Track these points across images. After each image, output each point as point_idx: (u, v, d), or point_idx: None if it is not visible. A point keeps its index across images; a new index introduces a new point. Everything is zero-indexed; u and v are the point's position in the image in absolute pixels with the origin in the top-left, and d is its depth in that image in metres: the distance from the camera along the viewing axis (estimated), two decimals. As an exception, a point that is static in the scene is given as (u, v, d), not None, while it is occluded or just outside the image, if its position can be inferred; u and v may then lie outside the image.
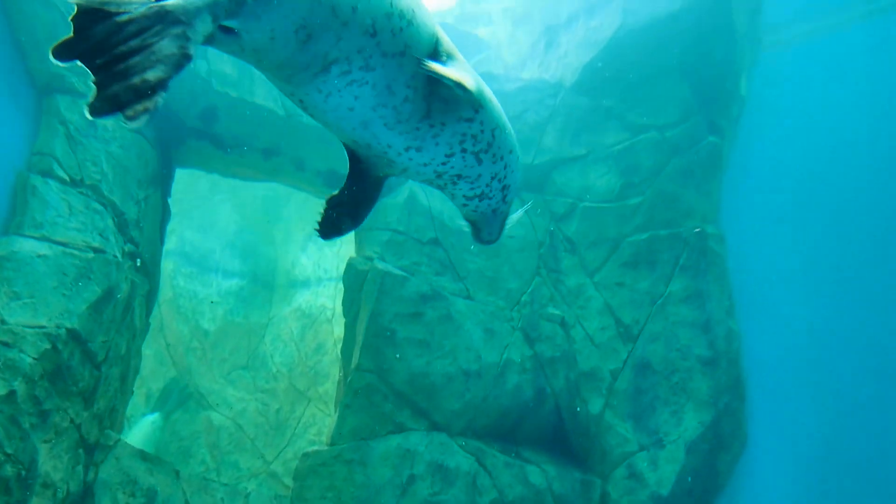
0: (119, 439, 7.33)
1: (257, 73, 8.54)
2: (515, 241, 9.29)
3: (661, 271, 9.06)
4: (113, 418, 7.51)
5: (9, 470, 6.10)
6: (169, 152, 8.70)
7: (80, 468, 6.89)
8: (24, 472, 6.17)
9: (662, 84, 9.24)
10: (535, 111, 9.57)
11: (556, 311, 9.17)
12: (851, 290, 8.93)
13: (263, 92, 8.46)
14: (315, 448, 8.43)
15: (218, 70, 8.23)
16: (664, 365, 8.81)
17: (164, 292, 14.33)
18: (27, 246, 6.62)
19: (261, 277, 15.56)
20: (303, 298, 14.92)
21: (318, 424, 13.80)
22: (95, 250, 7.04)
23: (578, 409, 8.97)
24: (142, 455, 7.34)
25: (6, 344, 6.23)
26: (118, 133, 7.46)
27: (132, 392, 8.21)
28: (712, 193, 9.24)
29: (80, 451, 6.89)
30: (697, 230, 8.95)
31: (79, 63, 1.55)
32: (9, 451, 6.12)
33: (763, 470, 8.82)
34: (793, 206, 9.37)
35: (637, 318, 8.97)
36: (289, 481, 10.47)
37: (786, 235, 9.36)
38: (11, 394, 6.15)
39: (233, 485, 7.89)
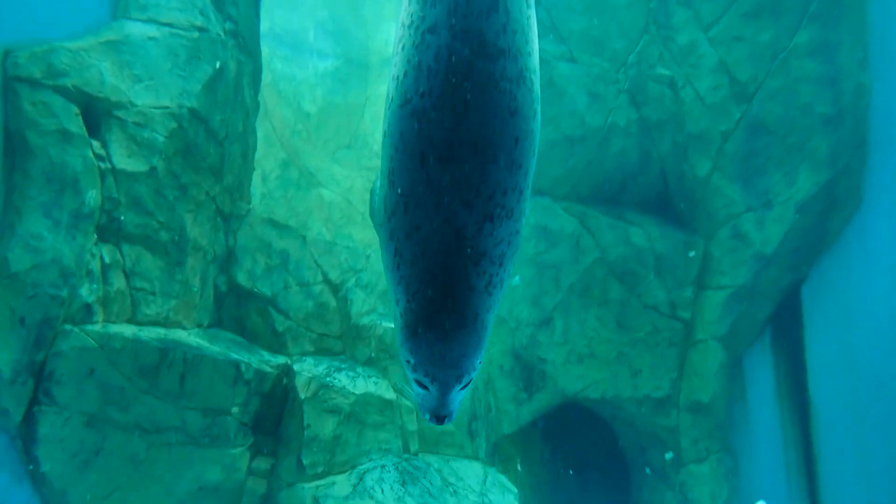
0: (250, 209, 8.04)
1: None
2: (623, -5, 8.60)
3: (787, 21, 8.24)
4: (241, 191, 8.17)
5: (164, 235, 6.92)
6: (253, -78, 8.31)
7: (220, 234, 7.70)
8: (177, 238, 6.98)
9: None
10: None
11: (666, 72, 8.69)
12: None
13: None
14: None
15: None
16: (780, 124, 8.39)
17: (264, 76, 14.59)
18: (137, 29, 6.78)
19: (355, 58, 15.45)
20: (398, 76, 14.83)
21: (422, 199, 14.41)
22: (200, 29, 7.14)
23: (685, 172, 8.87)
24: (272, 223, 8.07)
25: (139, 125, 6.70)
26: None
27: (254, 168, 8.79)
28: (856, -76, 7.99)
29: (219, 220, 7.64)
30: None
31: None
32: (161, 219, 6.89)
33: (875, 229, 8.62)
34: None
35: (755, 75, 8.39)
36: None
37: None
38: (153, 170, 6.75)
39: (353, 247, 8.63)
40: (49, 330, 6.26)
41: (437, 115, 2.24)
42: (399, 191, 2.32)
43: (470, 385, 2.40)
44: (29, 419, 6.16)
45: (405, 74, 2.37)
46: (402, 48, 2.44)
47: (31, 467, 6.15)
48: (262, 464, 7.01)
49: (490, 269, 2.31)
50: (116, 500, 6.33)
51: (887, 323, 8.21)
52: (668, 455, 8.53)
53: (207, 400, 6.72)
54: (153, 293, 6.90)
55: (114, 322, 6.65)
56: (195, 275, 7.25)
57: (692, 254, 8.71)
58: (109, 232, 6.72)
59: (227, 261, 7.80)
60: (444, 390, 2.30)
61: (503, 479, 7.38)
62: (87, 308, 6.49)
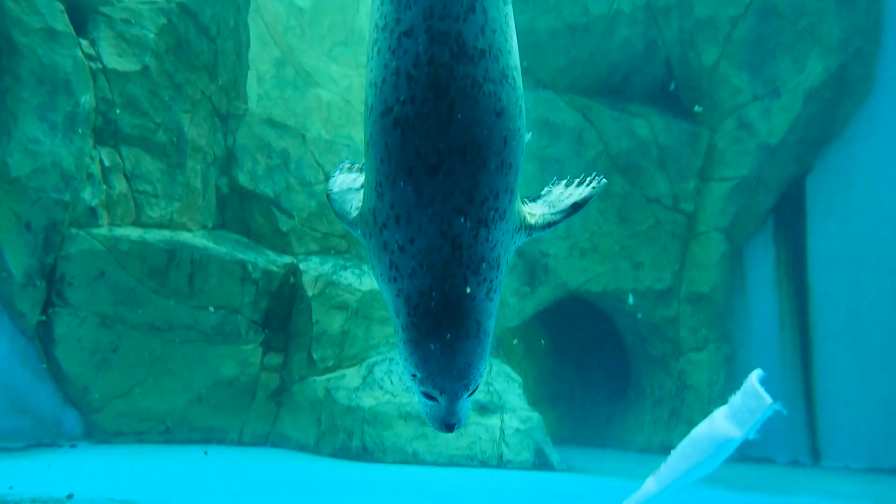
0: (247, 108, 7.90)
1: None
2: None
3: None
4: (237, 90, 8.01)
5: (162, 136, 6.85)
6: None
7: (219, 135, 7.61)
8: (175, 139, 6.91)
9: None
10: None
11: (674, -47, 8.28)
12: None
13: None
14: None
15: None
16: (792, 7, 8.06)
17: (253, -30, 13.95)
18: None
19: (345, -54, 14.69)
20: (393, -34, 14.15)
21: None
22: (183, -84, 6.78)
23: (691, 60, 8.62)
24: (271, 122, 7.95)
25: (127, 21, 6.48)
26: None
27: (248, 66, 8.56)
28: None
29: (216, 120, 7.53)
30: None
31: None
32: (158, 120, 6.79)
33: (885, 116, 8.45)
34: None
35: (767, -46, 8.00)
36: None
37: None
38: (146, 69, 6.59)
39: (354, 146, 8.54)
40: (55, 234, 6.32)
41: (421, 124, 2.20)
42: (389, 203, 2.27)
43: (476, 392, 2.44)
44: (45, 321, 6.34)
45: (383, 81, 2.28)
46: (378, 52, 2.33)
47: (44, 366, 6.37)
48: (274, 359, 7.26)
49: (489, 275, 2.29)
50: (137, 396, 6.60)
51: (892, 211, 8.22)
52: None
53: (217, 299, 6.87)
54: (156, 196, 6.92)
55: (119, 225, 6.71)
56: (196, 176, 7.24)
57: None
58: (107, 134, 6.64)
59: (228, 162, 7.75)
60: (454, 400, 2.32)
61: (507, 369, 7.64)
62: (92, 211, 6.52)
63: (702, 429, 2.18)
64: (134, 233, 6.68)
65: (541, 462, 6.53)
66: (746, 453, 8.17)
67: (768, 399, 2.06)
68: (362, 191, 2.58)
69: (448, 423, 2.32)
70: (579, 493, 5.36)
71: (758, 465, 7.87)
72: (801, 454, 8.36)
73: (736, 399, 2.17)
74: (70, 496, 4.00)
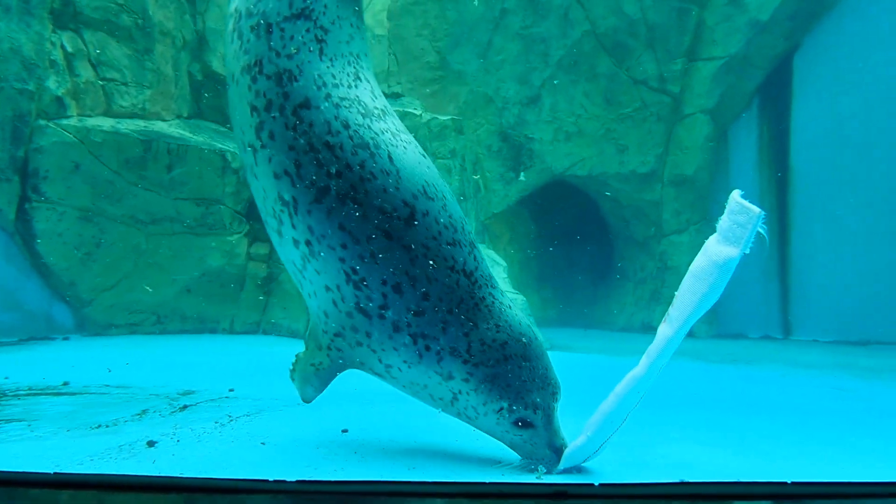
0: (214, -12, 7.44)
1: None
2: None
3: None
4: (202, -31, 7.50)
5: (126, 19, 6.46)
6: None
7: (187, 17, 7.21)
8: (140, 21, 6.53)
9: None
10: None
11: None
12: None
13: None
14: (404, -9, 8.33)
15: None
16: None
17: None
18: None
19: None
20: None
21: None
22: None
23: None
24: (240, 3, 7.52)
25: None
26: None
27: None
28: None
29: (183, 0, 7.09)
30: None
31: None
32: (120, 1, 6.38)
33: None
34: None
35: None
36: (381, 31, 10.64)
37: None
38: (100, -57, 6.11)
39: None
40: (23, 126, 6.08)
41: (372, 185, 2.18)
42: (378, 280, 2.21)
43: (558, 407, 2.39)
44: (23, 216, 6.22)
45: (297, 164, 2.19)
46: (271, 136, 2.24)
47: (28, 262, 6.31)
48: (261, 249, 7.26)
49: (498, 284, 2.38)
50: (124, 289, 6.61)
51: (877, 91, 8.14)
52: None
53: (198, 190, 6.76)
54: (125, 84, 6.62)
55: (89, 116, 6.46)
56: (166, 62, 6.91)
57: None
58: (66, 17, 6.25)
59: (199, 47, 7.39)
60: (549, 414, 2.29)
61: (493, 253, 7.72)
62: (59, 101, 6.25)
63: (699, 260, 2.16)
64: (105, 123, 6.45)
65: (526, 342, 6.72)
66: (721, 330, 8.52)
67: (756, 209, 2.03)
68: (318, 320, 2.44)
69: (555, 447, 2.26)
70: (561, 367, 5.58)
71: (731, 339, 8.20)
72: (772, 329, 8.71)
73: (724, 221, 2.14)
74: (66, 384, 4.07)
